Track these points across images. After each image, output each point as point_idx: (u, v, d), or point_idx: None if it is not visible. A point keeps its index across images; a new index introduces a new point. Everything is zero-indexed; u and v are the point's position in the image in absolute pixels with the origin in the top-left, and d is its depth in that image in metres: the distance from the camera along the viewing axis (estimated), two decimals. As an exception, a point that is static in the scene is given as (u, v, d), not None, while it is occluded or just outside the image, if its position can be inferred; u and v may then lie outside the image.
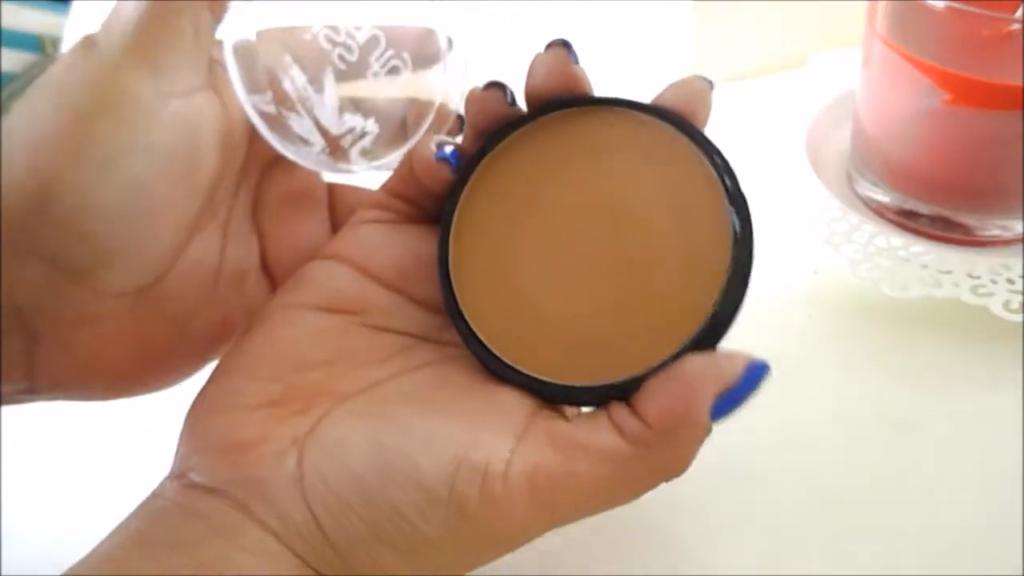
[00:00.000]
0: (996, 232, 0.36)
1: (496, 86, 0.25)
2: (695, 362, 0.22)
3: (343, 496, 0.21)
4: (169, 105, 0.23)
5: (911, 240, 0.35)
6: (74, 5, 0.63)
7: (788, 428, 0.32)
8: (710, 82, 0.25)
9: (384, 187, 0.27)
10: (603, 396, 0.23)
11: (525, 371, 0.23)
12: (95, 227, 0.23)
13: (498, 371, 0.24)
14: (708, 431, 0.22)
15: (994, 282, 0.33)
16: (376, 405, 0.23)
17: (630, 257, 0.23)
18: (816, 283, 0.37)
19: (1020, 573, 0.27)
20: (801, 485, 0.30)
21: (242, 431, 0.22)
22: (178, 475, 0.22)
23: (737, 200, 0.23)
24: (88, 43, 0.23)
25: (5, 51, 0.71)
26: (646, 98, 0.25)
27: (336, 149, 0.28)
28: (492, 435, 0.22)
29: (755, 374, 0.21)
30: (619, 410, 0.22)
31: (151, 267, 0.24)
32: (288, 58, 0.26)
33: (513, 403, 0.23)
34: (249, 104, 0.25)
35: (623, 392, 0.22)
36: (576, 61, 0.25)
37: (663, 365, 0.22)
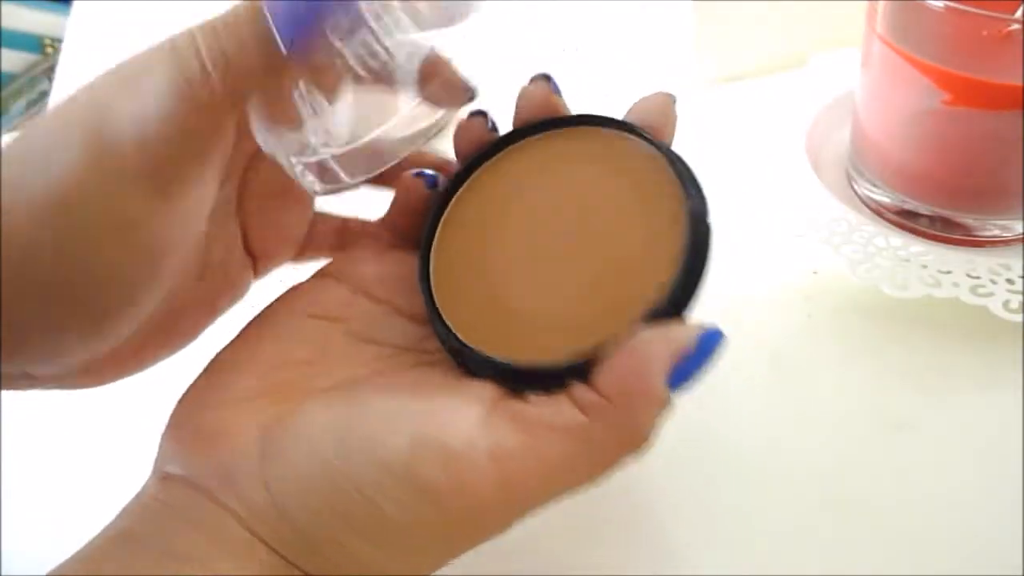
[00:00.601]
0: (996, 232, 0.36)
1: (479, 114, 0.28)
2: (647, 334, 0.22)
3: (309, 479, 0.21)
4: (181, 228, 0.24)
5: (911, 240, 0.35)
6: (74, 5, 0.63)
7: (787, 427, 0.32)
8: (673, 96, 0.26)
9: (378, 220, 0.29)
10: (566, 374, 0.23)
11: (493, 356, 0.24)
12: (110, 294, 0.23)
13: (469, 361, 0.25)
14: (667, 401, 0.22)
15: (994, 282, 0.33)
16: (347, 395, 0.24)
17: (597, 252, 0.25)
18: (816, 283, 0.37)
19: (1020, 573, 0.27)
20: (800, 484, 0.30)
21: (216, 423, 0.23)
22: (156, 470, 0.23)
23: (691, 189, 0.24)
24: (99, 116, 0.22)
25: (5, 51, 0.71)
26: (636, 99, 0.27)
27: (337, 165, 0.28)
28: (450, 412, 0.22)
29: (709, 342, 0.22)
30: (578, 387, 0.22)
31: (155, 302, 0.24)
32: (302, 82, 0.26)
33: (479, 390, 0.23)
34: (257, 126, 0.24)
35: (584, 370, 0.23)
36: (558, 92, 0.28)
37: (617, 340, 0.22)
